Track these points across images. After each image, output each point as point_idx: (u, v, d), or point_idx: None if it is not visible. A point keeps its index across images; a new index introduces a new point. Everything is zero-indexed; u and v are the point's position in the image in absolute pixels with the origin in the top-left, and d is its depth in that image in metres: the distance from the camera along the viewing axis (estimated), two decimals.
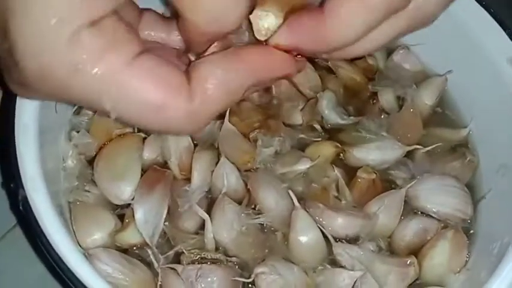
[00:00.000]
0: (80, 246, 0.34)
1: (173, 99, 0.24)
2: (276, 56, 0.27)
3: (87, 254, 0.33)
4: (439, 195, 0.38)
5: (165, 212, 0.35)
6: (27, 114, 0.33)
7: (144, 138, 0.38)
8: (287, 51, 0.27)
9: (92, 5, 0.23)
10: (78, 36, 0.22)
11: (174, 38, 0.29)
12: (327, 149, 0.39)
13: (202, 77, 0.25)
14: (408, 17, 0.26)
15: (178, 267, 0.33)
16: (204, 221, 0.35)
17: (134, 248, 0.35)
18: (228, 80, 0.25)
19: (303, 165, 0.38)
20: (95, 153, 0.37)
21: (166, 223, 0.35)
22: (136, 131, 0.38)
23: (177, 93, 0.24)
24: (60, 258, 0.29)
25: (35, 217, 0.29)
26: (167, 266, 0.33)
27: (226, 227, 0.35)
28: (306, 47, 0.27)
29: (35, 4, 0.22)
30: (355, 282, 0.34)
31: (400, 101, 0.42)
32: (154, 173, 0.37)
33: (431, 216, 0.38)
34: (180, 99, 0.24)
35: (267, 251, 0.36)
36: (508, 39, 0.38)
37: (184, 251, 0.34)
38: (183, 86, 0.25)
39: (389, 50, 0.44)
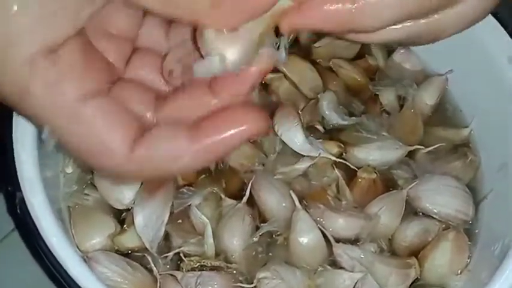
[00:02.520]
0: (79, 250, 0.34)
1: (113, 147, 0.22)
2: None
3: (86, 257, 0.33)
4: (440, 196, 0.37)
5: (167, 217, 0.35)
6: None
7: None
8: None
9: (49, 30, 0.21)
10: (32, 62, 0.21)
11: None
12: (331, 149, 0.39)
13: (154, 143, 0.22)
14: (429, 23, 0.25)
15: (178, 274, 0.33)
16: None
17: (135, 251, 0.35)
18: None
19: (303, 165, 0.38)
20: None
21: (169, 225, 0.35)
22: None
23: (119, 143, 0.22)
24: (58, 261, 0.29)
25: (32, 220, 0.29)
26: (167, 272, 0.33)
27: (240, 237, 0.35)
28: (329, 27, 0.24)
29: None
30: (355, 284, 0.34)
31: (401, 100, 0.42)
32: None
33: (432, 217, 0.37)
34: (121, 148, 0.22)
35: (270, 254, 0.36)
36: (509, 38, 0.38)
37: (183, 258, 0.34)
38: (128, 137, 0.22)
39: (389, 50, 0.44)
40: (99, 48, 0.23)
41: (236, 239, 0.35)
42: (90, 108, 0.22)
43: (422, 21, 0.25)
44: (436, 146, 0.40)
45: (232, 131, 0.22)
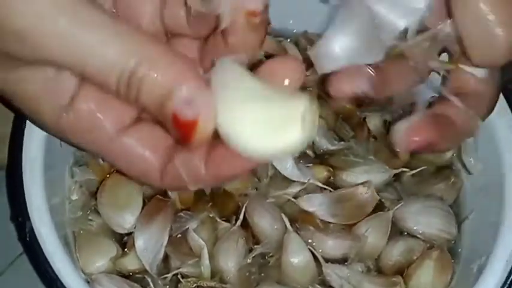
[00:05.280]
0: (84, 272, 0.36)
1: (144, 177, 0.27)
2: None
3: (90, 280, 0.35)
4: (424, 217, 0.39)
5: (166, 240, 0.37)
6: (33, 148, 0.35)
7: None
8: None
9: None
10: (69, 109, 0.25)
11: None
12: (320, 173, 0.41)
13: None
14: None
15: None
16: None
17: (136, 273, 0.37)
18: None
19: (293, 189, 0.40)
20: (97, 188, 0.39)
21: (168, 247, 0.37)
22: None
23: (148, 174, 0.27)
24: (63, 285, 0.31)
25: (40, 247, 0.31)
26: None
27: (234, 259, 0.37)
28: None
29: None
30: None
31: (387, 124, 0.44)
32: (157, 203, 0.38)
33: (417, 237, 0.39)
34: (151, 178, 0.27)
35: (263, 274, 0.38)
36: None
37: (181, 280, 0.36)
38: (155, 170, 0.26)
39: None
40: None
41: (231, 260, 0.37)
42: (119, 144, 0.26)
43: None
44: (420, 169, 0.41)
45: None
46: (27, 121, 0.35)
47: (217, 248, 0.38)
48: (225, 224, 0.39)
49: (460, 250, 0.39)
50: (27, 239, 0.32)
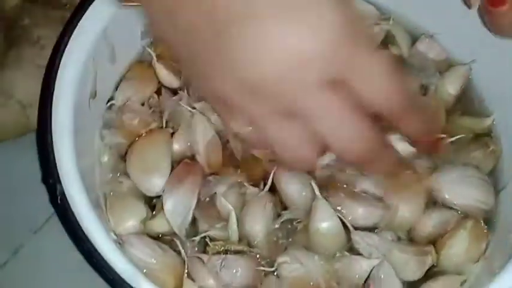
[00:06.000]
0: (115, 233, 0.37)
1: None
2: None
3: (121, 241, 0.35)
4: (460, 187, 0.38)
5: (194, 204, 0.37)
6: (62, 111, 0.35)
7: (172, 133, 0.40)
8: None
9: None
10: None
11: None
12: None
13: None
14: None
15: (204, 257, 0.35)
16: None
17: (165, 235, 0.38)
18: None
19: (327, 159, 0.39)
20: (126, 150, 0.39)
21: (196, 211, 0.38)
22: (164, 126, 0.40)
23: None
24: (94, 246, 0.31)
25: (71, 209, 0.32)
26: (194, 255, 0.36)
27: (262, 223, 0.37)
28: None
29: None
30: (371, 270, 0.36)
31: (424, 90, 0.42)
32: (185, 167, 0.38)
33: (451, 208, 0.38)
34: None
35: (290, 240, 0.38)
36: None
37: (209, 242, 0.36)
38: None
39: (413, 39, 0.44)
40: None
41: (258, 225, 0.37)
42: None
43: None
44: (457, 137, 0.40)
45: None
46: (55, 84, 0.35)
47: (245, 212, 0.38)
48: (253, 189, 0.38)
49: (495, 220, 0.38)
50: (59, 201, 0.32)
